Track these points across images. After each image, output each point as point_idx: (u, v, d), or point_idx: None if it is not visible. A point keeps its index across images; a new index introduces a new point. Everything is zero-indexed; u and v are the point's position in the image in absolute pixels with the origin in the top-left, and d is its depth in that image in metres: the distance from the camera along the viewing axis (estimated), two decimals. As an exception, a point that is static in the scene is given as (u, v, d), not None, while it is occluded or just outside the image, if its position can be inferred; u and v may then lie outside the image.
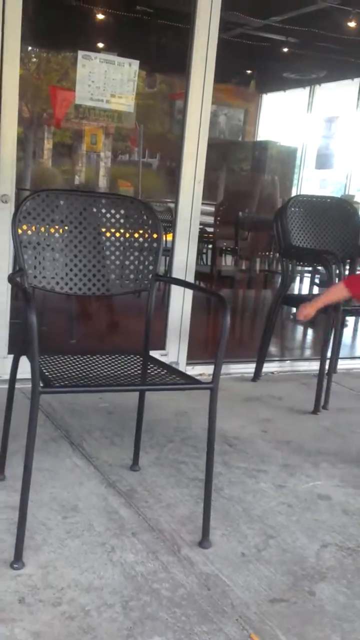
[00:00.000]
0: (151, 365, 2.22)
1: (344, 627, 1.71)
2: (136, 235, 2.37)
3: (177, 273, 3.55)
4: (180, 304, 3.62)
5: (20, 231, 2.15)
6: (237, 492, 2.39)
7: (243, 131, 7.93)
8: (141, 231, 2.37)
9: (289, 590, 1.85)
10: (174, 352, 3.67)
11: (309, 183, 7.85)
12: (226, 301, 2.03)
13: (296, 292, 5.72)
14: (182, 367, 3.62)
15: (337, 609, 1.78)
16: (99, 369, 2.13)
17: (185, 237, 3.56)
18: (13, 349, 3.15)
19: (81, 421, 2.90)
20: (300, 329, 5.52)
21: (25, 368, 1.95)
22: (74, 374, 2.05)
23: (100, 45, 4.50)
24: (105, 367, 2.16)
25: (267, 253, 5.85)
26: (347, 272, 3.67)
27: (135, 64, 3.50)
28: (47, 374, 1.98)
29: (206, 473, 2.03)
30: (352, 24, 5.90)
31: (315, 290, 5.53)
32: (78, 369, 2.10)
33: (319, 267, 5.01)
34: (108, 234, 2.34)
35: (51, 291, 2.25)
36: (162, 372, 2.14)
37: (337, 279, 3.23)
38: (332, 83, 7.71)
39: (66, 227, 2.26)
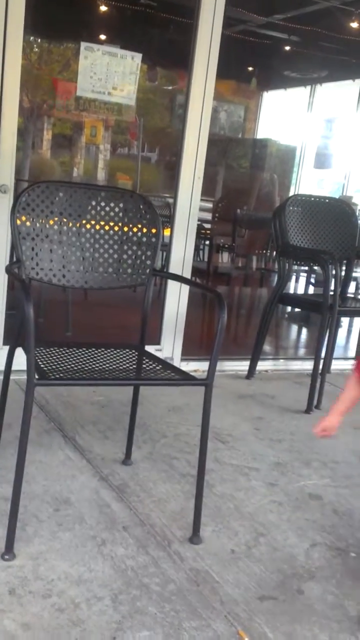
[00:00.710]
0: (146, 360, 2.22)
1: (332, 627, 1.72)
2: (134, 229, 2.36)
3: (174, 268, 3.54)
4: (177, 299, 3.62)
5: (19, 222, 2.14)
6: (228, 489, 2.39)
7: (243, 128, 7.91)
8: (139, 225, 2.36)
9: (277, 588, 1.85)
10: (169, 347, 3.67)
11: (307, 182, 7.85)
12: (223, 298, 2.03)
13: (292, 291, 5.73)
14: (177, 362, 3.62)
15: (326, 609, 1.79)
16: (94, 362, 2.13)
17: (183, 233, 3.55)
18: (8, 340, 3.15)
19: (75, 414, 2.90)
20: (294, 327, 5.53)
21: (19, 359, 1.95)
22: (69, 366, 2.05)
23: (103, 37, 4.49)
24: (101, 360, 2.16)
25: (264, 251, 5.85)
26: (343, 273, 3.67)
27: (138, 57, 3.49)
28: (42, 366, 1.98)
29: (198, 469, 2.03)
30: (355, 25, 5.90)
31: (311, 290, 5.54)
32: (73, 362, 2.10)
33: (316, 267, 5.02)
34: (107, 227, 2.33)
35: (48, 283, 2.24)
36: (157, 367, 2.14)
37: (333, 279, 3.23)
38: (333, 83, 7.71)
39: (65, 219, 2.26)
